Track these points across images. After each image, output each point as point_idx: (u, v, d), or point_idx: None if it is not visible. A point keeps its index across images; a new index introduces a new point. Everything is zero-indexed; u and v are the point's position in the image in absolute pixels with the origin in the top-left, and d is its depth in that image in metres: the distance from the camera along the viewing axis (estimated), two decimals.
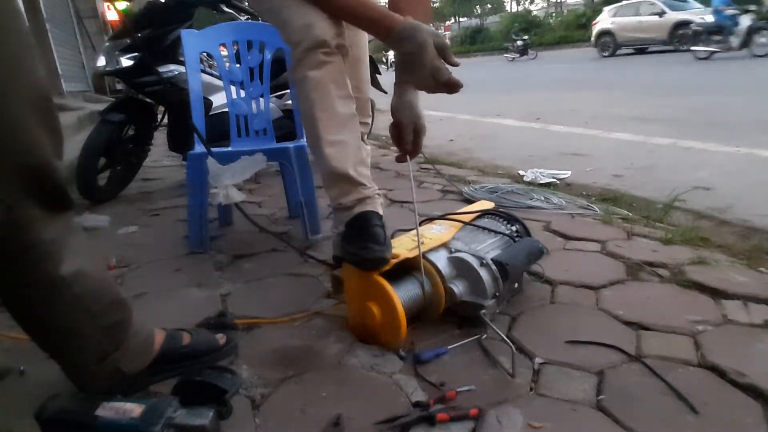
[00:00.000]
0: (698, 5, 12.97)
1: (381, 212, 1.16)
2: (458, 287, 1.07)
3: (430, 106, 5.68)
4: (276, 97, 2.64)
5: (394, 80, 1.09)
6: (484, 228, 1.23)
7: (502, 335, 0.97)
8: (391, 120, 1.10)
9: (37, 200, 0.71)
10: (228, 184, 1.46)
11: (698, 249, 1.47)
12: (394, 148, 1.14)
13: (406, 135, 1.09)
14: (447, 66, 0.97)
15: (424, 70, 0.96)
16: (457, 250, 1.11)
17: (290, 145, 1.67)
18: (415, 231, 1.13)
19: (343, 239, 1.12)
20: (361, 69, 1.42)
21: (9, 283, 0.73)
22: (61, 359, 0.84)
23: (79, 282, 0.77)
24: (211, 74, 2.54)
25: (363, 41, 1.41)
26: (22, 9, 0.68)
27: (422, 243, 1.10)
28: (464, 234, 1.21)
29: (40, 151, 0.70)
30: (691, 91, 5.53)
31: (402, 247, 1.10)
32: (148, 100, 2.55)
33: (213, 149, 1.60)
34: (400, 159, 1.13)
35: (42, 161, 0.70)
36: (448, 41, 1.08)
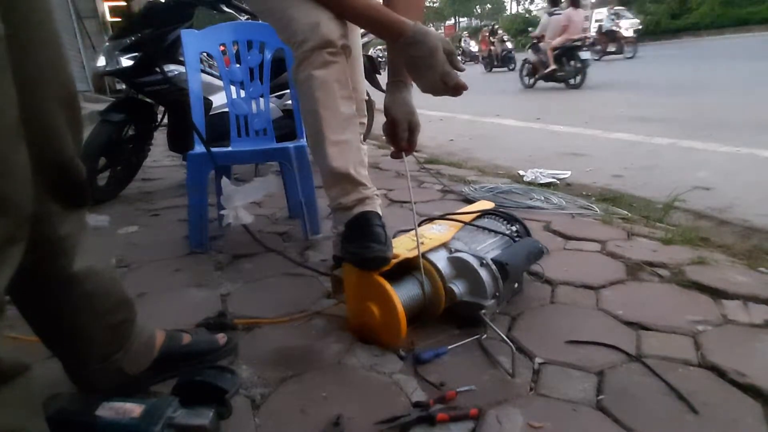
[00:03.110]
0: None
1: (380, 213, 1.16)
2: (458, 287, 1.07)
3: (430, 106, 5.69)
4: (276, 97, 2.64)
5: (388, 79, 1.09)
6: (484, 228, 1.23)
7: (502, 335, 0.97)
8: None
9: (57, 195, 0.72)
10: (238, 206, 1.47)
11: (698, 249, 1.47)
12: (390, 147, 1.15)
13: (401, 132, 1.10)
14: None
15: (434, 75, 0.98)
16: (457, 250, 1.11)
17: (290, 145, 1.67)
18: (415, 231, 1.13)
19: (343, 239, 1.12)
20: (357, 69, 1.42)
21: (22, 277, 0.73)
22: (64, 358, 0.84)
23: (90, 279, 0.78)
24: (211, 74, 2.54)
25: (357, 41, 1.41)
26: (53, 7, 0.69)
27: (422, 243, 1.10)
28: (464, 234, 1.21)
29: (66, 148, 0.71)
30: (692, 91, 5.53)
31: (402, 247, 1.10)
32: (148, 100, 2.56)
33: (213, 149, 1.61)
34: (395, 156, 1.14)
35: (67, 158, 0.71)
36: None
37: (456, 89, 0.98)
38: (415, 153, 3.25)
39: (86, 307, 0.79)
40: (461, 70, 1.00)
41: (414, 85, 1.09)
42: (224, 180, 1.50)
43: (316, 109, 1.09)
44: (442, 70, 0.97)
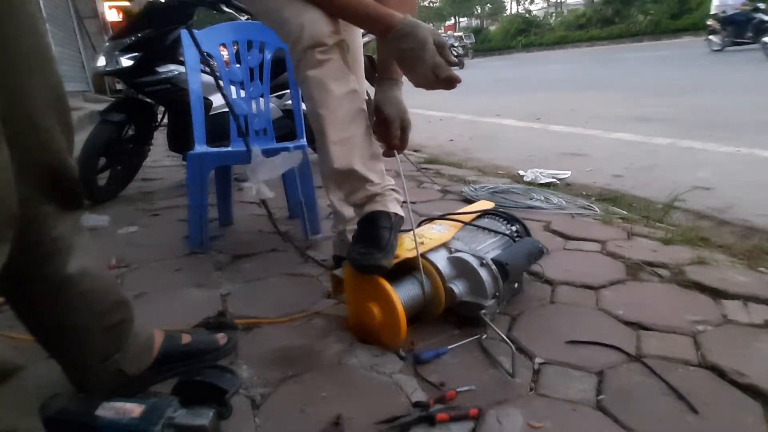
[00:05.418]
0: None
1: (394, 209, 1.14)
2: (458, 287, 1.07)
3: (430, 106, 5.69)
4: (276, 97, 2.64)
5: (377, 76, 1.09)
6: (484, 228, 1.23)
7: (502, 335, 0.97)
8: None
9: (50, 197, 0.72)
10: (261, 180, 1.44)
11: (698, 249, 1.47)
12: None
13: (394, 130, 1.10)
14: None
15: (425, 67, 0.96)
16: (457, 250, 1.11)
17: (290, 145, 1.67)
18: (412, 231, 1.13)
19: (352, 238, 1.12)
20: (357, 69, 1.41)
21: (16, 279, 0.73)
22: (63, 359, 0.84)
23: (85, 280, 0.78)
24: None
25: (358, 41, 1.41)
26: (42, 10, 0.69)
27: (422, 243, 1.10)
28: (464, 234, 1.21)
29: (57, 150, 0.71)
30: (691, 91, 5.53)
31: (402, 247, 1.10)
32: (148, 100, 2.56)
33: (212, 149, 1.60)
34: (387, 154, 1.13)
35: (59, 159, 0.72)
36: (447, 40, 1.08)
37: (448, 82, 0.96)
38: (414, 152, 3.26)
39: (82, 308, 0.79)
40: (453, 64, 0.98)
41: (406, 84, 1.08)
42: (255, 150, 1.47)
43: (315, 109, 1.08)
44: (433, 62, 0.95)
